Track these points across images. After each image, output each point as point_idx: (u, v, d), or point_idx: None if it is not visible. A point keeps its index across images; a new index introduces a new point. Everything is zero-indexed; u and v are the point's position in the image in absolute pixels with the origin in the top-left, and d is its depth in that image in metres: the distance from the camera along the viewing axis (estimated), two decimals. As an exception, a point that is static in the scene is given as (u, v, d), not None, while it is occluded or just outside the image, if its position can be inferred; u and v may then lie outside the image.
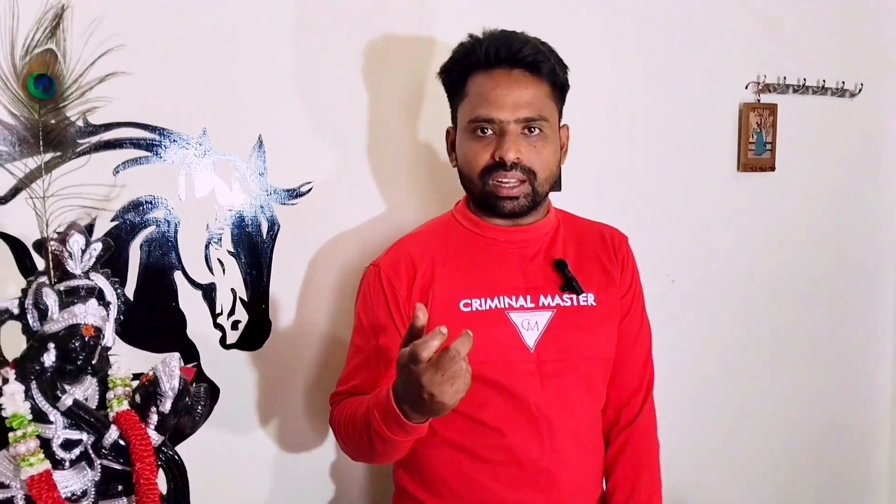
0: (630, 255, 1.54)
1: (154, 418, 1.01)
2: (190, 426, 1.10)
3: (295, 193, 1.65)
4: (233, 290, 1.61)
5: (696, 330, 2.10)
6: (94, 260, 1.00)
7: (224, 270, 1.60)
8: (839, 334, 2.30)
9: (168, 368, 1.01)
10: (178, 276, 1.56)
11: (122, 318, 1.03)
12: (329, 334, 1.70)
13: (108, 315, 1.00)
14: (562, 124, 1.44)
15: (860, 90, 2.21)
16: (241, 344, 1.63)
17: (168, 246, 1.55)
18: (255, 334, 1.64)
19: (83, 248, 0.99)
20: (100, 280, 1.01)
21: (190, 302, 1.57)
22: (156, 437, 1.01)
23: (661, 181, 2.03)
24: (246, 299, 1.63)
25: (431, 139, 1.75)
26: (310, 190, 1.66)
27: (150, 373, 1.03)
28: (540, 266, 1.44)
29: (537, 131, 1.37)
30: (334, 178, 1.68)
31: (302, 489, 1.71)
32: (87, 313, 0.96)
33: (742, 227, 2.14)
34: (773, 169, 2.14)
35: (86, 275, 0.99)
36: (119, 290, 1.03)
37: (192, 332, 1.58)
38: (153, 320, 1.54)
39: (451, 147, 1.47)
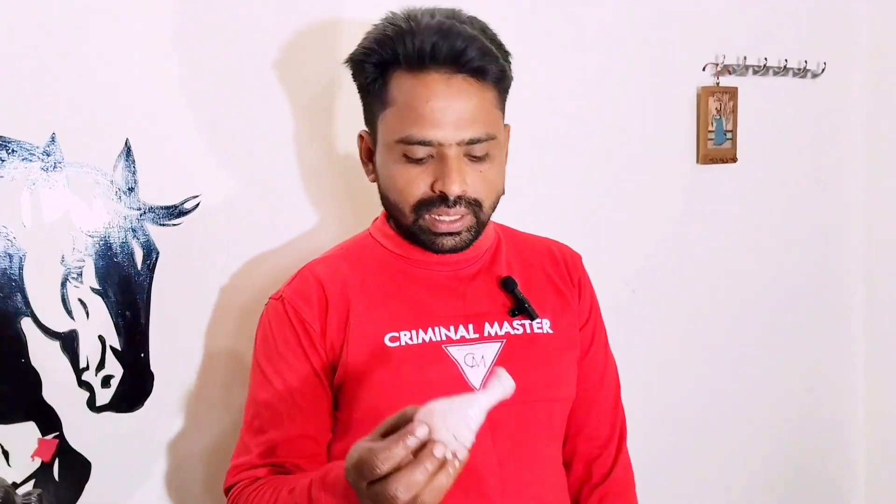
0: (586, 277, 1.28)
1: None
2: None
3: (176, 211, 1.33)
4: (101, 337, 1.28)
5: (659, 341, 1.86)
6: None
7: (87, 314, 1.27)
8: (809, 330, 2.12)
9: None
10: (26, 323, 1.23)
11: None
12: (228, 385, 1.38)
13: None
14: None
15: (823, 70, 2.02)
16: (116, 405, 1.30)
17: (11, 286, 1.22)
18: (133, 391, 1.31)
19: None
20: None
21: (44, 356, 1.24)
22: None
23: (613, 179, 1.79)
24: (119, 348, 1.30)
25: (349, 144, 1.44)
26: (196, 206, 1.34)
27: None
28: (482, 288, 1.18)
29: (484, 153, 1.09)
30: (228, 191, 1.37)
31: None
32: None
33: (705, 225, 1.91)
34: (734, 160, 1.92)
35: None
36: None
37: (48, 394, 1.25)
38: (-8, 385, 1.20)
39: (367, 157, 1.18)
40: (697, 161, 1.88)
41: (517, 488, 1.13)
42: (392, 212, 1.15)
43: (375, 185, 1.17)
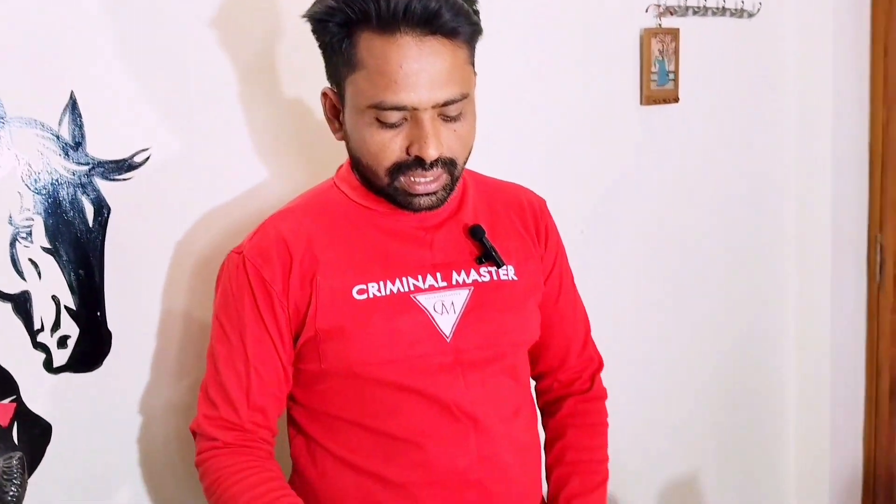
0: (552, 223, 1.30)
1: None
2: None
3: (126, 165, 1.29)
4: (54, 297, 1.25)
5: (610, 281, 1.90)
6: None
7: (39, 274, 1.23)
8: (748, 258, 2.18)
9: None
10: (-26, 286, 1.18)
11: None
12: (186, 340, 1.36)
13: None
14: None
15: (759, 9, 2.05)
16: (74, 365, 1.27)
17: (-44, 248, 1.17)
18: (90, 350, 1.29)
19: None
20: None
21: (-4, 318, 1.20)
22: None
23: (560, 123, 1.80)
24: (74, 307, 1.26)
25: (301, 92, 1.41)
26: (146, 160, 1.30)
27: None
28: (449, 236, 1.18)
29: (458, 113, 1.07)
30: (177, 145, 1.33)
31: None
32: None
33: (650, 165, 1.95)
34: (676, 101, 1.95)
35: None
36: None
37: (2, 357, 1.22)
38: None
39: (333, 115, 1.15)
40: (641, 102, 1.90)
41: (489, 425, 1.16)
42: (365, 172, 1.13)
43: (329, 138, 1.15)
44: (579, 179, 1.84)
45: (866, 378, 2.23)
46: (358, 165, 1.14)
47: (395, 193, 1.11)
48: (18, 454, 0.77)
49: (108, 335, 1.30)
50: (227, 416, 1.12)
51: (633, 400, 1.97)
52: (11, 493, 0.76)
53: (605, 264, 1.89)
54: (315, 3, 1.08)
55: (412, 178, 1.08)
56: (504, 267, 1.19)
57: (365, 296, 1.12)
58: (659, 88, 1.91)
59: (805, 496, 2.28)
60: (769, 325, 2.24)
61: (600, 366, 1.34)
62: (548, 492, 1.27)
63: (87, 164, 1.26)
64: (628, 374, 1.95)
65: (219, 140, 1.37)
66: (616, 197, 1.91)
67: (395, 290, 1.13)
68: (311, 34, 1.10)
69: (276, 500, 1.07)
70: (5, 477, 0.75)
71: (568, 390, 1.31)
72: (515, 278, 1.20)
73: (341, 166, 1.22)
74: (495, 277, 1.19)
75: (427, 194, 1.10)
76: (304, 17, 1.09)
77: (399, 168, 1.08)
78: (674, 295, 2.04)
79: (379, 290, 1.13)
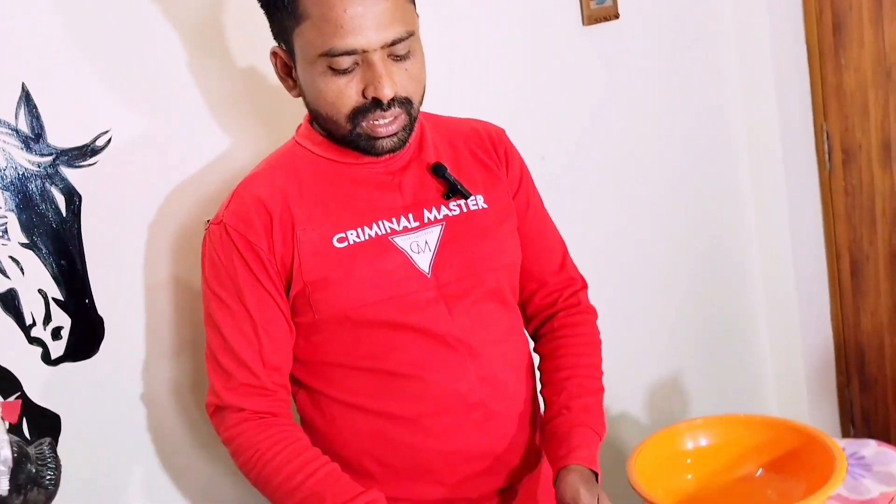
0: (512, 148, 1.33)
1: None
2: (43, 502, 0.79)
3: (89, 150, 1.29)
4: (41, 291, 1.26)
5: (574, 204, 1.93)
6: None
7: (22, 270, 1.24)
8: (700, 172, 2.21)
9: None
10: (-41, 290, 1.19)
11: None
12: (177, 315, 1.38)
13: None
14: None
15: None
16: (71, 354, 1.29)
17: (-66, 255, 1.16)
18: (85, 338, 1.30)
19: None
20: None
21: (-14, 320, 1.20)
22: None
23: (504, 52, 1.81)
24: (62, 298, 1.27)
25: (253, 57, 1.41)
26: (108, 142, 1.30)
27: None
28: (415, 177, 1.22)
29: (406, 51, 1.09)
30: (139, 121, 1.33)
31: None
32: None
33: (599, 84, 1.97)
34: (616, 17, 1.97)
35: None
36: None
37: (1, 356, 1.23)
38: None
39: (286, 73, 1.17)
40: (583, 23, 1.92)
41: (481, 348, 1.21)
42: (326, 124, 1.15)
43: (282, 97, 1.16)
44: (532, 106, 1.86)
45: (827, 260, 2.32)
46: (317, 118, 1.16)
47: (357, 139, 1.13)
48: (48, 440, 0.79)
49: (100, 321, 1.31)
50: (246, 381, 1.15)
51: (611, 312, 2.02)
52: (49, 478, 0.78)
53: (570, 188, 1.93)
54: None
55: (373, 121, 1.11)
56: (472, 197, 1.23)
57: (345, 244, 1.16)
58: (599, 6, 1.93)
59: (782, 375, 2.38)
60: (731, 223, 2.29)
61: (584, 285, 1.38)
62: (544, 402, 1.30)
63: (51, 154, 1.25)
64: (601, 290, 2.01)
65: (178, 114, 1.36)
66: (572, 120, 1.93)
67: (372, 235, 1.17)
68: None
69: (315, 470, 1.12)
70: (40, 463, 0.77)
71: (553, 310, 1.35)
72: (486, 206, 1.24)
73: (300, 125, 1.24)
74: (465, 209, 1.22)
75: (388, 136, 1.13)
76: None
77: (358, 112, 1.10)
78: (637, 206, 2.08)
79: (358, 237, 1.16)
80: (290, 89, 1.18)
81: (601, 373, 1.32)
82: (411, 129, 1.16)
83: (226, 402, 1.16)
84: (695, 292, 2.22)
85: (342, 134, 1.14)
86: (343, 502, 1.08)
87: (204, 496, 1.44)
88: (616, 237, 2.05)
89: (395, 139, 1.14)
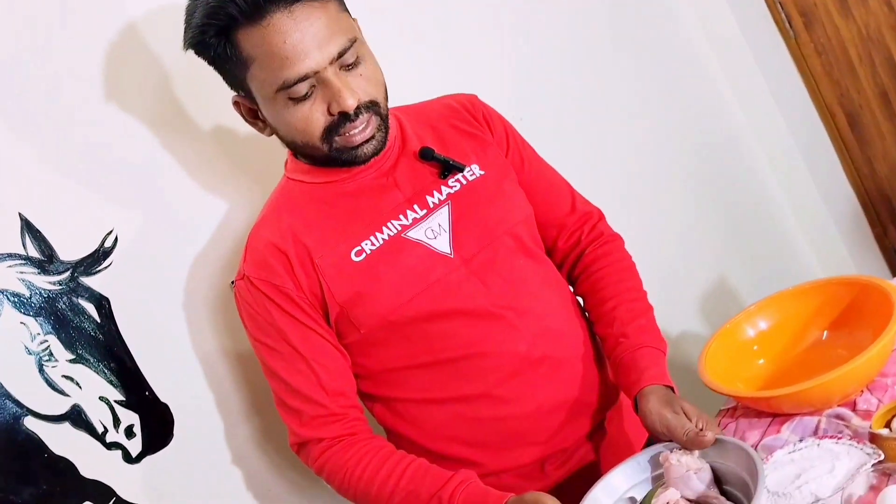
0: (489, 109, 1.36)
1: None
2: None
3: (101, 254, 1.32)
4: (102, 398, 1.29)
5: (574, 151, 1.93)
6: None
7: (79, 384, 1.28)
8: (680, 69, 2.22)
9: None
10: (30, 422, 1.23)
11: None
12: (236, 376, 1.42)
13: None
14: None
15: None
16: (150, 447, 1.33)
17: (-4, 397, 1.20)
18: (157, 428, 1.34)
19: None
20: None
21: (63, 439, 1.24)
22: None
23: (467, 16, 1.81)
24: (123, 398, 1.31)
25: (216, 117, 1.44)
26: (116, 241, 1.33)
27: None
28: (406, 169, 1.24)
29: (355, 58, 1.12)
30: (137, 210, 1.36)
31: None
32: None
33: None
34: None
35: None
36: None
37: (86, 471, 1.26)
38: (33, 490, 1.21)
39: (252, 116, 1.20)
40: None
41: (525, 305, 1.23)
42: (305, 151, 1.19)
43: (263, 143, 1.19)
44: (504, 66, 1.86)
45: (823, 122, 2.33)
46: (295, 148, 1.20)
47: (339, 155, 1.16)
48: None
49: (166, 407, 1.34)
50: (316, 413, 1.18)
51: (644, 237, 1.97)
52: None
53: (555, 137, 1.94)
54: (185, 32, 1.13)
55: (346, 134, 1.13)
56: (467, 168, 1.25)
57: (363, 255, 1.19)
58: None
59: (817, 241, 2.39)
60: (722, 124, 2.29)
61: (600, 216, 1.40)
62: (601, 339, 1.31)
63: (67, 269, 1.29)
64: (628, 219, 2.00)
65: (171, 193, 1.40)
66: (538, 73, 1.93)
67: (386, 238, 1.20)
68: (198, 61, 1.15)
69: (404, 471, 1.14)
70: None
71: (579, 249, 1.37)
72: (483, 172, 1.26)
73: (285, 162, 1.27)
74: (464, 182, 1.25)
75: (367, 141, 1.15)
76: (185, 49, 1.14)
77: (330, 131, 1.13)
78: (638, 142, 2.08)
79: (373, 245, 1.19)
80: (261, 130, 1.21)
81: (644, 292, 1.33)
82: (387, 128, 1.18)
83: (305, 437, 1.19)
84: (711, 195, 2.22)
85: (322, 155, 1.17)
86: (437, 490, 1.11)
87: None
88: (622, 163, 2.04)
89: (374, 142, 1.16)
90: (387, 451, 1.18)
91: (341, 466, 1.17)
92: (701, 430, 1.07)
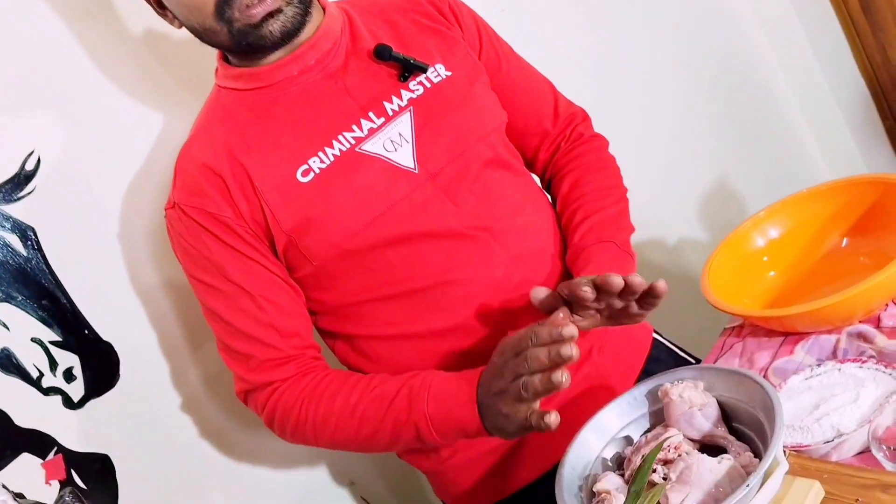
0: (457, 1, 1.17)
1: None
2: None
3: (22, 178, 1.16)
4: (35, 339, 1.15)
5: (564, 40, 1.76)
6: None
7: (6, 325, 1.13)
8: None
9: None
10: (-50, 370, 1.09)
11: None
12: (181, 309, 1.28)
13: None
14: None
15: None
16: (94, 390, 1.20)
17: None
18: (100, 369, 1.20)
19: None
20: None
21: (-7, 388, 1.11)
22: None
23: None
24: (59, 338, 1.17)
25: (147, 19, 1.26)
26: (38, 163, 1.17)
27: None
28: (359, 71, 1.07)
29: None
30: (59, 129, 1.19)
31: None
32: None
33: None
34: None
35: None
36: None
37: (22, 419, 1.13)
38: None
39: (160, 6, 1.03)
40: None
41: (501, 224, 1.08)
42: (206, 37, 1.02)
43: (198, 50, 1.04)
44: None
45: (833, 5, 2.14)
46: (198, 34, 1.03)
47: (242, 37, 0.99)
48: (68, 488, 0.71)
49: (109, 346, 1.21)
50: (267, 356, 1.04)
51: (643, 139, 1.88)
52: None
53: (537, 28, 1.76)
54: None
55: (243, 5, 0.96)
56: (431, 68, 1.08)
57: (311, 175, 1.02)
58: None
59: (825, 137, 2.23)
60: (729, 20, 2.13)
61: (584, 117, 1.24)
62: (565, 239, 1.16)
63: (-17, 197, 1.13)
64: (604, 107, 1.88)
65: (97, 108, 1.22)
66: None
67: (337, 154, 1.03)
68: None
69: (367, 383, 1.02)
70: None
71: (558, 156, 1.22)
72: (449, 73, 1.10)
73: (215, 69, 1.10)
74: (428, 85, 1.08)
75: (270, 15, 0.97)
76: None
77: (222, 4, 0.96)
78: (629, 31, 1.90)
79: (322, 162, 1.03)
80: (171, 21, 1.05)
81: (618, 190, 1.18)
82: (301, 1, 1.00)
83: (254, 383, 1.05)
84: (708, 86, 2.05)
85: (225, 39, 0.99)
86: (406, 379, 0.99)
87: (273, 477, 1.38)
88: (609, 49, 1.87)
89: (282, 16, 0.98)
90: (344, 373, 1.05)
91: (296, 401, 1.03)
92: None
